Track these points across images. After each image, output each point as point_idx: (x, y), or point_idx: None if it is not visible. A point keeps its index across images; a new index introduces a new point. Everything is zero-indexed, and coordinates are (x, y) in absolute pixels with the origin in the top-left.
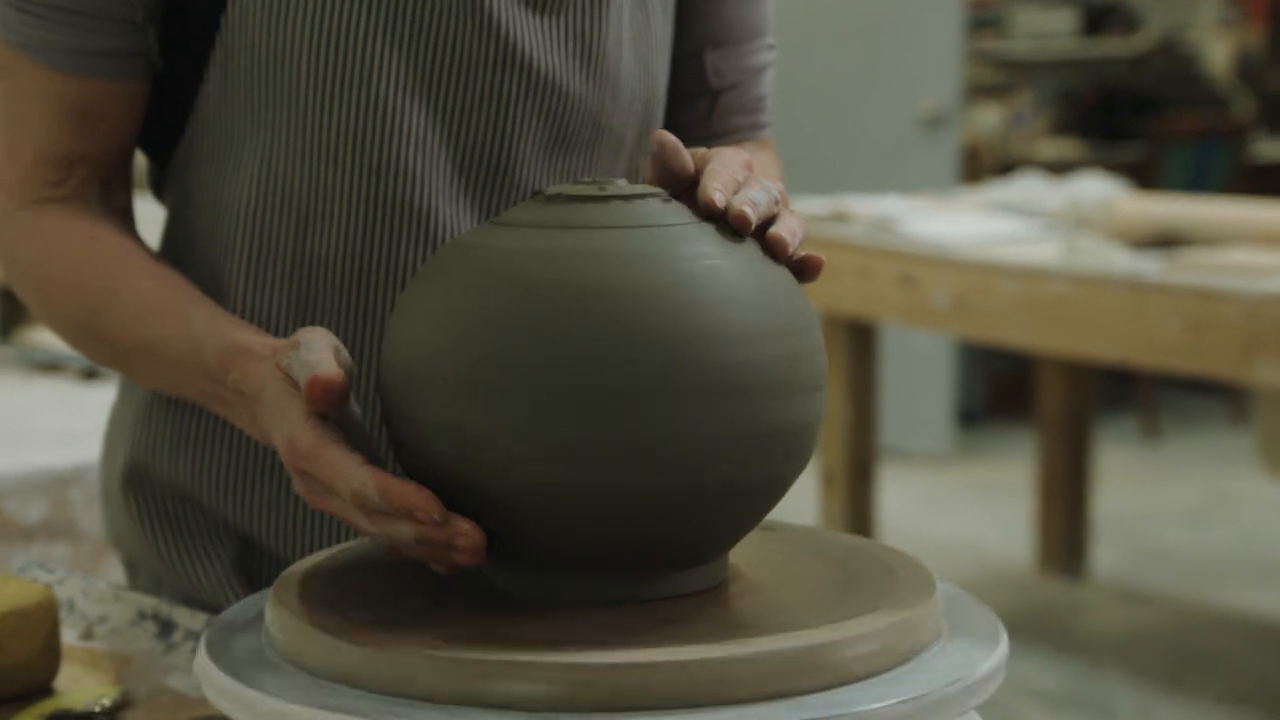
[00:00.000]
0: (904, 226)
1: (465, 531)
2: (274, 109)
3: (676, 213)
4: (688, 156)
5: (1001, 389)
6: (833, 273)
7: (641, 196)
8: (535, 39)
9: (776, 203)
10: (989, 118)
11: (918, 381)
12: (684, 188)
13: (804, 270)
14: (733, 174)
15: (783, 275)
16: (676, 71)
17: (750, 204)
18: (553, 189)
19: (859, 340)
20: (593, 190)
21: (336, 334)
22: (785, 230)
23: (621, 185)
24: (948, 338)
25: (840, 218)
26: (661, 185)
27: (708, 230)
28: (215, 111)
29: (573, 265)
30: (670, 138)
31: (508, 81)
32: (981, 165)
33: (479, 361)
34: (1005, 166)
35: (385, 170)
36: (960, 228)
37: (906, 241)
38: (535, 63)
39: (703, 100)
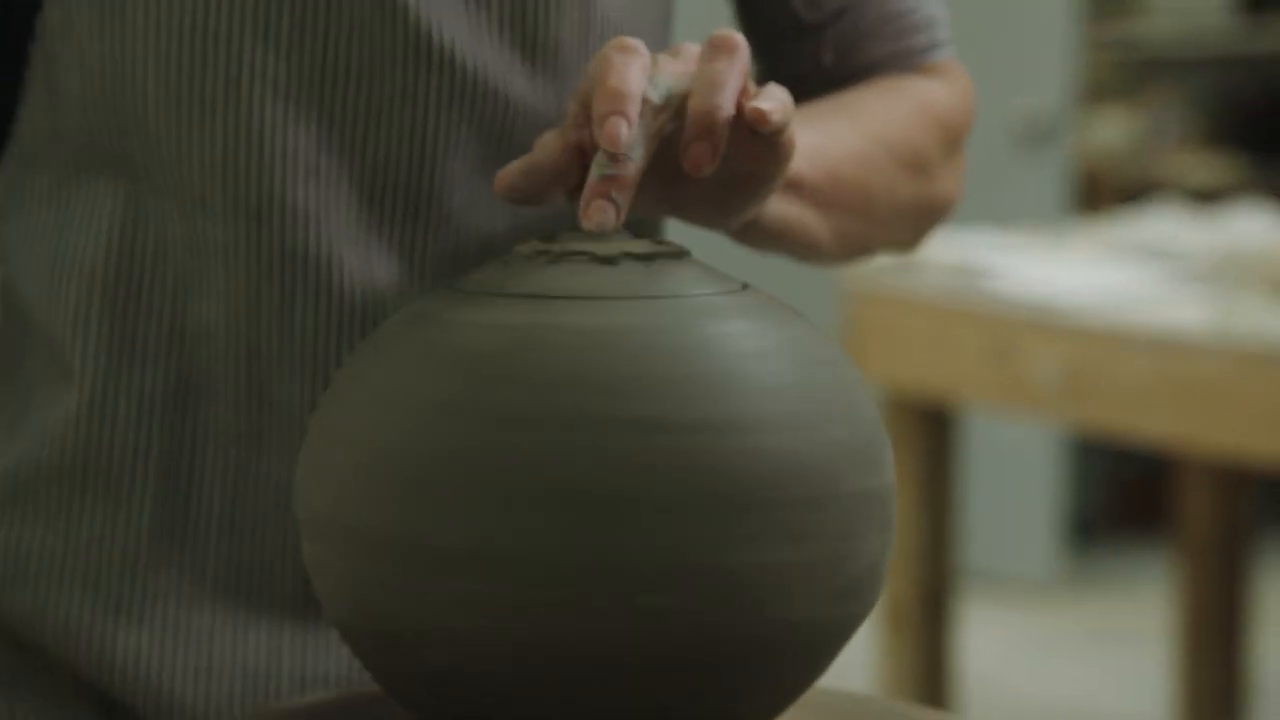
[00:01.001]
0: (996, 277)
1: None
2: (123, 137)
3: (700, 277)
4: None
5: (1128, 496)
6: (899, 339)
7: (656, 256)
8: (459, 28)
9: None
10: (1113, 128)
11: (1014, 485)
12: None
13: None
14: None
15: (837, 361)
16: (750, 12)
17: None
18: (531, 244)
19: (934, 430)
20: (589, 245)
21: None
22: (764, 100)
23: (627, 239)
24: (1055, 428)
25: (909, 266)
26: (528, 192)
27: (742, 302)
28: (48, 141)
29: (568, 351)
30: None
31: (425, 84)
32: (1102, 192)
33: (441, 467)
34: (1135, 193)
35: (267, 210)
36: (1072, 279)
37: (999, 298)
38: (460, 58)
39: (803, 41)
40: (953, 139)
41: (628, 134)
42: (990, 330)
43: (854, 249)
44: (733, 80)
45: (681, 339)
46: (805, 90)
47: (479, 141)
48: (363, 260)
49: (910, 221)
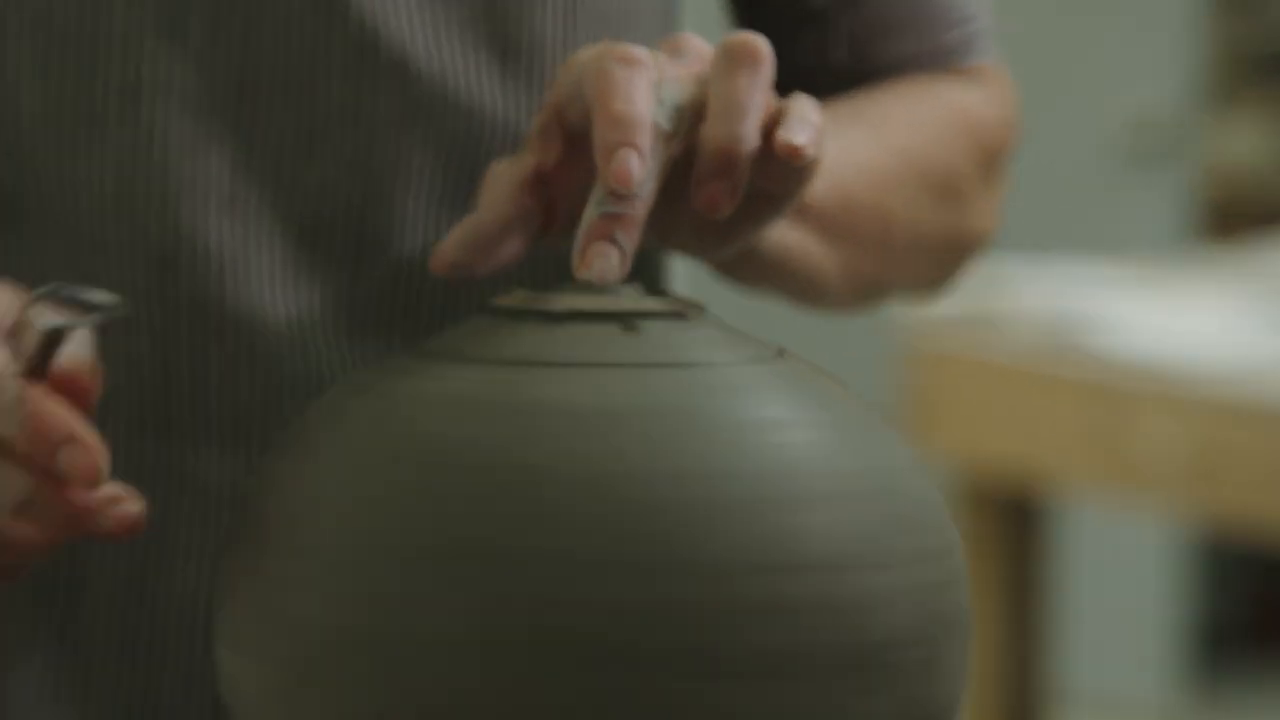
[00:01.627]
0: (1100, 331)
1: (122, 499)
2: None
3: (725, 341)
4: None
5: (1267, 605)
6: (976, 413)
7: (670, 315)
8: (413, 26)
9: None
10: (1245, 139)
11: (1125, 590)
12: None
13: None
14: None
15: (895, 448)
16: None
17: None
18: (513, 297)
19: (1023, 525)
20: (585, 300)
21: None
22: (797, 128)
23: (634, 293)
24: (1176, 520)
25: (986, 316)
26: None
27: (777, 373)
28: None
29: (561, 436)
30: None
31: (371, 96)
32: (1233, 216)
33: (392, 615)
34: (1274, 218)
35: (174, 251)
36: (1198, 332)
37: (1105, 358)
38: (414, 64)
39: (811, 32)
40: (992, 159)
41: (641, 170)
42: (1094, 399)
43: (865, 289)
44: (756, 102)
45: (704, 426)
46: (811, 93)
47: (439, 166)
48: (295, 315)
49: (936, 258)
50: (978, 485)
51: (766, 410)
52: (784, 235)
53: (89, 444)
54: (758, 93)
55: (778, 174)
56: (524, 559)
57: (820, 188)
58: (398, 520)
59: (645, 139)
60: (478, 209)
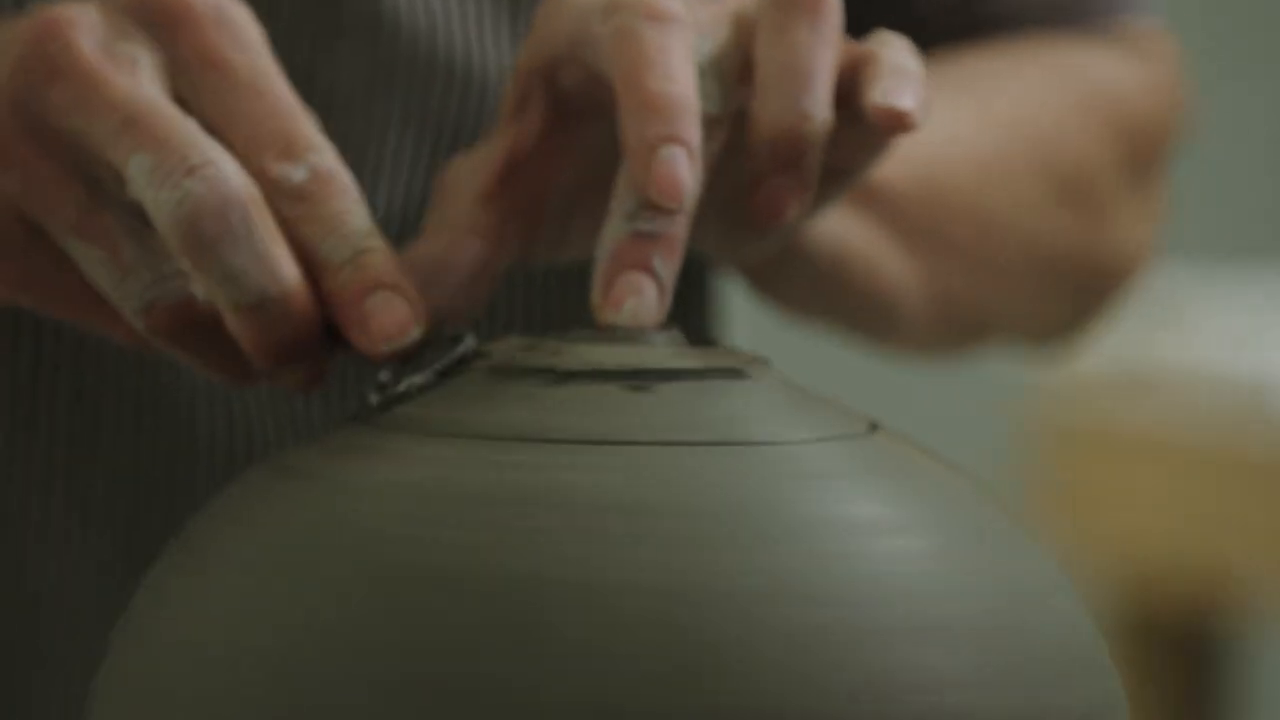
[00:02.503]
0: None
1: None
2: None
3: (796, 411)
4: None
5: None
6: (1127, 501)
7: (725, 373)
8: None
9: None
10: None
11: None
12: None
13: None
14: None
15: (1030, 556)
16: None
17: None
18: (508, 346)
19: (1192, 652)
20: (614, 354)
21: None
22: (896, 84)
23: (676, 344)
24: None
25: (1140, 376)
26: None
27: (869, 455)
28: None
29: (574, 540)
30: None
31: (332, 58)
32: None
33: None
34: None
35: None
36: None
37: None
38: (393, 15)
39: None
40: (1143, 154)
41: (692, 175)
42: None
43: (958, 319)
44: (823, 63)
45: (774, 530)
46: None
47: (419, 146)
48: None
49: (1060, 284)
50: (1137, 603)
51: (858, 507)
52: (845, 227)
53: (410, 297)
54: (824, 49)
55: (858, 146)
56: (527, 712)
57: (897, 166)
58: (343, 660)
59: (694, 130)
60: (424, 234)
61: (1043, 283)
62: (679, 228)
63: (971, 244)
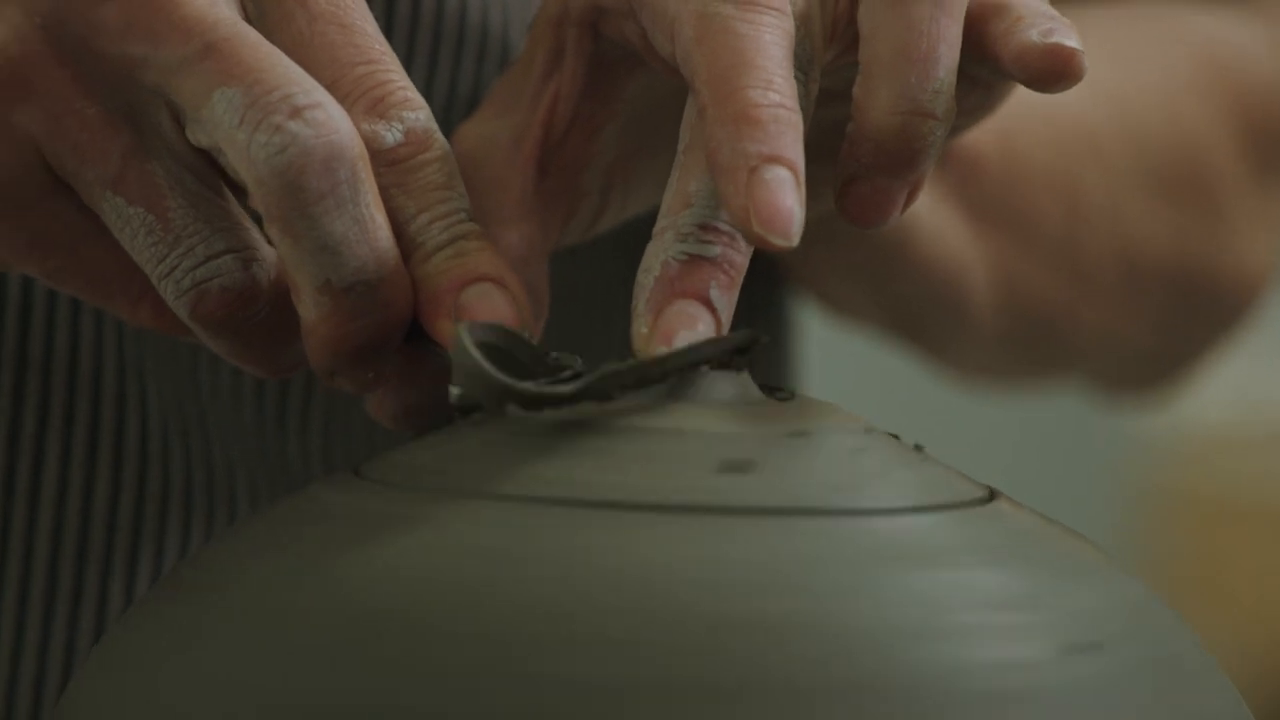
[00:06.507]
0: None
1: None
2: None
3: (896, 473)
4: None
5: None
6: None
7: (802, 429)
8: None
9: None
10: None
11: None
12: None
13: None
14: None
15: (1182, 643)
16: None
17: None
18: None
19: None
20: (656, 398)
21: None
22: (1054, 30)
23: (741, 386)
24: None
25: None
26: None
27: (985, 529)
28: None
29: (625, 624)
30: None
31: (415, 43)
32: None
33: None
34: None
35: None
36: None
37: None
38: (467, 6)
39: None
40: (1272, 137)
41: (799, 206)
42: None
43: (1035, 325)
44: (949, 36)
45: (873, 617)
46: None
47: (450, 113)
48: (190, 381)
49: (1164, 302)
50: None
51: (976, 591)
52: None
53: (517, 293)
54: (948, 22)
55: (969, 111)
56: None
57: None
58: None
59: (799, 150)
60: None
61: (1138, 296)
62: (741, 254)
63: (1052, 229)
